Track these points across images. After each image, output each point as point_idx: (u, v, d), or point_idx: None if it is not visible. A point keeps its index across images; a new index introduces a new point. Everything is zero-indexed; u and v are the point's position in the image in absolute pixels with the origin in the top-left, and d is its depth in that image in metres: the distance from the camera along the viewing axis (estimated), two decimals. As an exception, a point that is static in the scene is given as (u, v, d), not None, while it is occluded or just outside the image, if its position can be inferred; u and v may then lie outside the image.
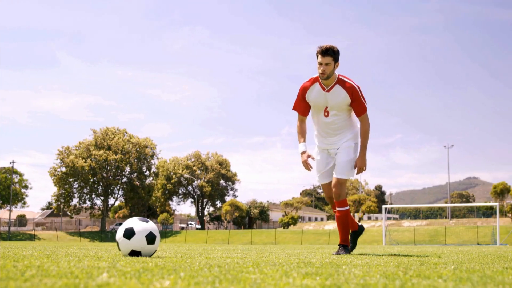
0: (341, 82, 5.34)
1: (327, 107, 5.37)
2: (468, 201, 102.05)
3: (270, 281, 1.79)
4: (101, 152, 63.59)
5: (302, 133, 5.58)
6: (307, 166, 5.48)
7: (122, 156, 64.78)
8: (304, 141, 5.54)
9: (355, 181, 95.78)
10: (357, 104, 5.37)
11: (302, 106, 5.52)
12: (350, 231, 5.83)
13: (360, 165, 5.45)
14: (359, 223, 5.96)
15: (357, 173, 5.44)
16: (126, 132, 68.05)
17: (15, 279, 1.77)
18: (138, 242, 3.87)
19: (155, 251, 4.04)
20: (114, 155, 64.18)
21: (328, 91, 5.32)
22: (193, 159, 73.58)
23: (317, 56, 5.24)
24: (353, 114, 5.53)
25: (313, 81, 5.40)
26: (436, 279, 1.92)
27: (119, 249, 3.97)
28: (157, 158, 70.44)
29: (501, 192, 56.35)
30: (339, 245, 5.62)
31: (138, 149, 66.22)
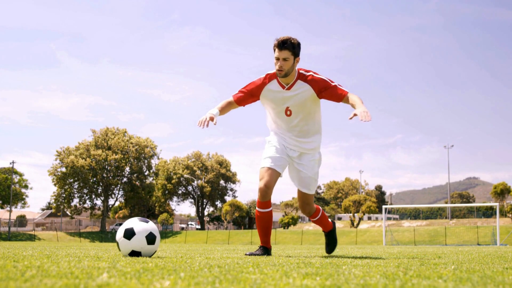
0: (302, 77, 4.69)
1: (288, 107, 4.73)
2: (468, 202, 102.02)
3: (270, 281, 1.79)
4: (101, 152, 63.61)
5: (223, 108, 4.81)
6: (204, 122, 4.52)
7: (122, 156, 64.79)
8: (220, 113, 4.74)
9: (355, 181, 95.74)
10: (331, 91, 4.65)
11: (245, 99, 4.86)
12: (326, 231, 5.47)
13: (364, 111, 4.28)
14: (330, 220, 5.50)
15: (364, 120, 4.18)
16: (126, 132, 68.07)
17: (15, 279, 1.77)
18: (138, 242, 3.87)
19: (155, 251, 4.04)
20: (114, 155, 64.19)
21: (289, 89, 4.68)
22: (193, 159, 73.59)
23: (274, 50, 4.57)
24: (319, 117, 4.91)
25: (270, 78, 4.75)
26: (436, 279, 1.92)
27: (119, 250, 3.97)
28: (158, 158, 70.51)
29: (501, 192, 56.37)
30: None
31: (138, 149, 66.24)
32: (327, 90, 4.66)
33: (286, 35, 4.58)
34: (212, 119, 4.56)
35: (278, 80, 4.71)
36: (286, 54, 4.53)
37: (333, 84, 4.68)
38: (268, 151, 4.87)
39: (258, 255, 4.74)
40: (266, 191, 4.75)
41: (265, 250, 4.88)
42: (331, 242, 5.47)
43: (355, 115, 4.31)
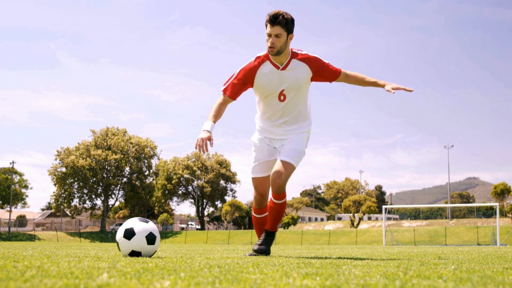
0: (296, 55, 4.40)
1: (283, 90, 4.39)
2: (468, 202, 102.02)
3: (270, 281, 1.79)
4: (100, 152, 63.61)
5: (217, 114, 4.39)
6: (203, 146, 4.12)
7: (122, 156, 64.79)
8: (215, 122, 4.32)
9: (355, 181, 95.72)
10: (326, 70, 4.46)
11: (239, 91, 4.47)
12: (270, 230, 4.78)
13: (396, 86, 4.37)
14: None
15: (409, 90, 4.33)
16: (126, 132, 68.07)
17: (15, 279, 1.77)
18: (138, 242, 3.87)
19: (155, 251, 4.04)
20: (113, 155, 64.18)
21: (284, 68, 4.34)
22: (193, 159, 73.59)
23: (266, 26, 4.25)
24: (308, 101, 4.63)
25: (261, 60, 4.41)
26: (436, 280, 1.92)
27: (119, 250, 3.96)
28: (158, 159, 70.51)
29: (501, 192, 56.35)
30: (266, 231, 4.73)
31: (138, 149, 66.24)
32: (323, 69, 4.44)
33: (278, 9, 4.25)
34: (209, 138, 4.16)
35: (271, 60, 4.37)
36: (278, 30, 4.19)
37: (326, 62, 4.49)
38: (256, 157, 4.68)
39: (261, 248, 4.61)
40: (261, 201, 4.76)
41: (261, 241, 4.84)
42: (267, 242, 4.71)
43: (393, 89, 4.34)
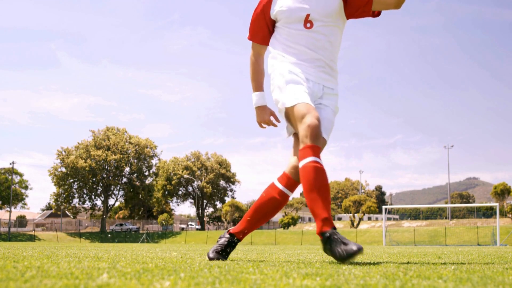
0: None
1: (309, 15, 3.42)
2: (468, 202, 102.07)
3: (270, 281, 1.79)
4: (100, 152, 63.60)
5: (259, 75, 3.55)
6: (268, 124, 3.42)
7: (122, 156, 64.78)
8: (263, 89, 3.51)
9: (355, 182, 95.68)
10: None
11: (263, 31, 3.57)
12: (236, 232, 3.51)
13: None
14: None
15: None
16: (126, 132, 68.05)
17: (15, 279, 1.77)
18: None
19: None
20: (113, 155, 64.18)
21: None
22: (192, 160, 73.58)
23: None
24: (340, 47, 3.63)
25: None
26: (436, 280, 1.92)
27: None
28: (158, 159, 70.49)
29: (501, 192, 56.37)
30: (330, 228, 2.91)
31: (137, 149, 66.23)
32: None
33: None
34: (271, 115, 3.44)
35: None
36: None
37: None
38: (296, 87, 3.29)
39: (351, 253, 2.77)
40: (319, 128, 3.11)
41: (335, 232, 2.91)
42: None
43: None
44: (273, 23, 3.59)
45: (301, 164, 3.05)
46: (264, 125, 3.43)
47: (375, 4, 3.47)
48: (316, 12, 3.43)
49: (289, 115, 3.25)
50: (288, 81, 3.33)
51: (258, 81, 3.53)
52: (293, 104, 3.19)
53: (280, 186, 3.39)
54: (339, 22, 3.52)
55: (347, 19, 3.59)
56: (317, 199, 2.95)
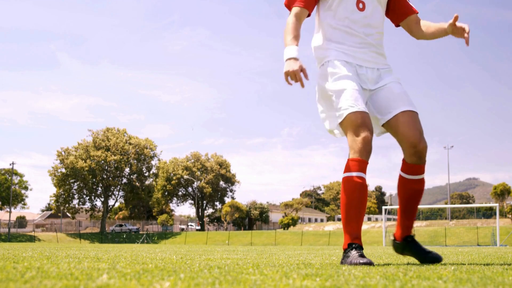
0: None
1: None
2: (468, 202, 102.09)
3: (270, 282, 1.79)
4: (100, 153, 63.61)
5: (296, 33, 3.19)
6: (296, 78, 2.98)
7: (121, 157, 64.80)
8: (297, 44, 3.14)
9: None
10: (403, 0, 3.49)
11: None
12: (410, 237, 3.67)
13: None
14: None
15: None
16: (125, 133, 68.06)
17: (15, 280, 1.77)
18: None
19: None
20: (113, 156, 64.19)
21: None
22: (192, 160, 73.60)
23: None
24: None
25: None
26: (436, 280, 1.92)
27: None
28: (158, 160, 70.50)
29: (501, 193, 56.41)
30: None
31: (137, 150, 66.25)
32: None
33: None
34: (302, 69, 3.02)
35: None
36: None
37: None
38: (348, 84, 3.13)
39: (362, 263, 2.82)
40: (370, 145, 3.08)
41: (361, 248, 3.05)
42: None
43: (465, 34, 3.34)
44: None
45: (345, 175, 3.10)
46: (290, 80, 3.02)
47: (405, 21, 3.53)
48: None
49: (342, 122, 3.15)
50: (338, 78, 3.17)
51: (296, 38, 3.19)
52: (348, 113, 3.08)
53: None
54: (383, 7, 3.43)
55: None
56: (353, 215, 3.08)
